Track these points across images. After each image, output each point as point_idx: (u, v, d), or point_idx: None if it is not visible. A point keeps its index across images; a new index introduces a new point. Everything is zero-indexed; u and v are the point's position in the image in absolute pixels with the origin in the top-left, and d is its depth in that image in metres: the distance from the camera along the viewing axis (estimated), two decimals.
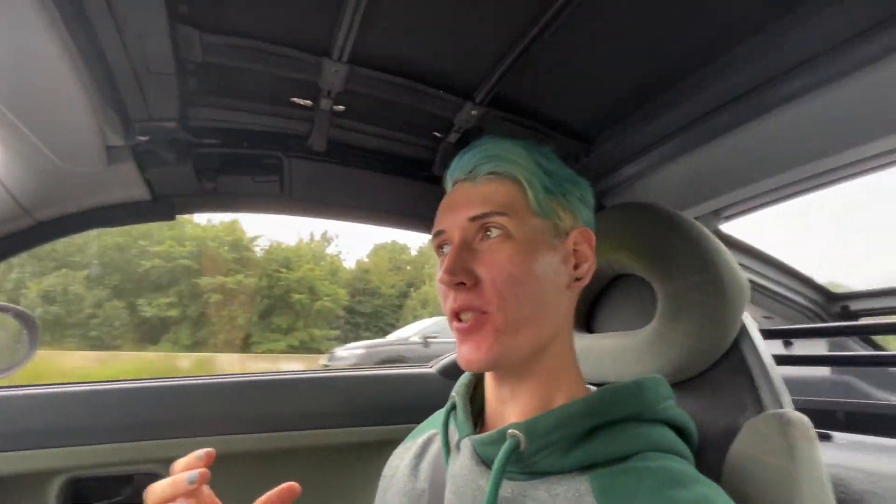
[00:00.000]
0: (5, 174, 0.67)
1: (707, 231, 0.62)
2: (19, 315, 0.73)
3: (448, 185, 0.56)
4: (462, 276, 0.47)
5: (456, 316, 0.49)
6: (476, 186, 0.51)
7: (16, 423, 0.90)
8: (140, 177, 0.75)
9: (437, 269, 0.53)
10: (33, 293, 14.42)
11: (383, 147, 0.86)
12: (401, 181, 0.91)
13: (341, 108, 0.76)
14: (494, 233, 0.49)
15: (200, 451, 0.44)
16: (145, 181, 0.76)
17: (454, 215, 0.51)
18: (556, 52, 0.64)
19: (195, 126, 0.76)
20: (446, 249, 0.52)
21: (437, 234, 0.53)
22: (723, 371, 0.58)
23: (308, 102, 0.74)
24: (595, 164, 0.88)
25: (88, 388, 0.97)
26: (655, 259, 0.62)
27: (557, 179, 0.52)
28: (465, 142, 0.84)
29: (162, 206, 0.82)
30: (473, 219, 0.49)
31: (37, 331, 0.74)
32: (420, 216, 0.97)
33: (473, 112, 0.75)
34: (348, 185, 0.89)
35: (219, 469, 0.99)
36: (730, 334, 0.58)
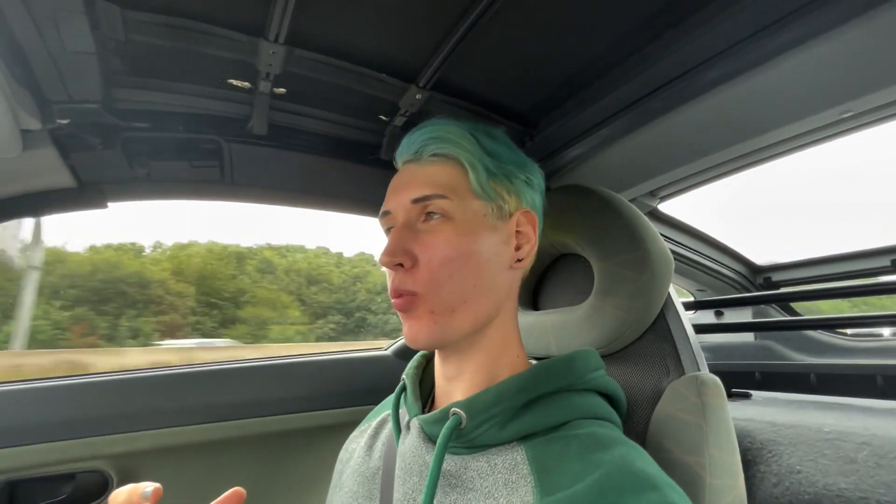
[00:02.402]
0: None
1: (639, 211, 0.66)
2: None
3: (398, 165, 0.57)
4: (401, 257, 0.49)
5: (396, 297, 0.50)
6: (420, 168, 0.53)
7: None
8: (62, 163, 0.70)
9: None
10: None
11: (328, 130, 0.85)
12: (347, 165, 0.90)
13: (282, 90, 0.73)
14: (435, 214, 0.50)
15: (147, 489, 0.43)
16: (69, 167, 0.71)
17: (399, 196, 0.52)
18: (496, 37, 0.65)
19: (123, 108, 0.72)
20: (389, 233, 0.53)
21: (384, 214, 0.54)
22: (650, 340, 0.63)
23: (246, 84, 0.72)
24: (539, 147, 0.90)
25: (28, 385, 0.92)
26: (592, 238, 0.66)
27: (501, 162, 0.53)
28: (412, 125, 0.83)
29: (91, 193, 0.77)
30: (416, 201, 0.50)
31: None
32: (368, 200, 0.97)
33: (418, 96, 0.75)
34: (293, 169, 0.87)
35: (171, 461, 0.98)
36: (656, 306, 0.62)
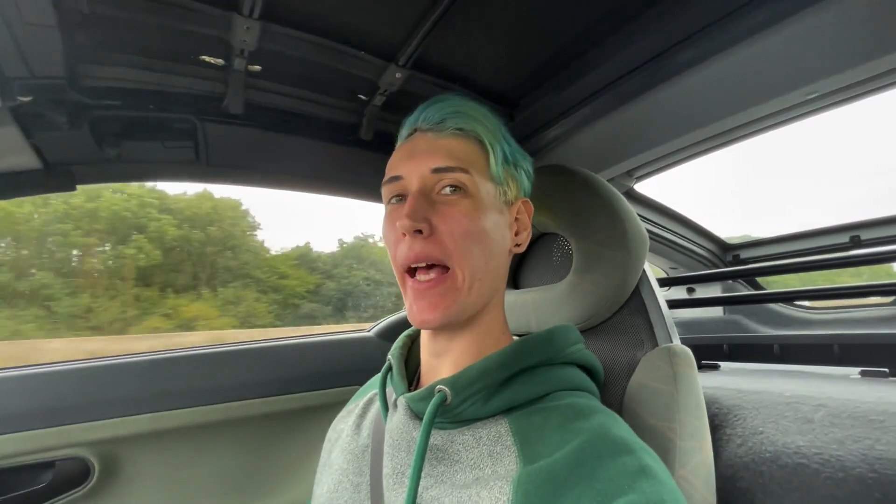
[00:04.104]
0: None
1: (616, 191, 0.68)
2: None
3: (404, 132, 0.55)
4: (420, 223, 0.48)
5: (409, 270, 0.50)
6: (440, 138, 0.52)
7: None
8: (26, 143, 0.67)
9: (385, 218, 0.53)
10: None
11: (306, 110, 0.83)
12: (326, 146, 0.89)
13: (257, 68, 0.71)
14: (454, 188, 0.49)
15: None
16: (33, 147, 0.68)
17: (416, 163, 0.50)
18: (476, 15, 0.64)
19: (90, 86, 0.69)
20: (397, 200, 0.52)
21: (393, 179, 0.52)
22: (626, 314, 0.66)
23: (219, 61, 0.70)
24: (520, 127, 0.91)
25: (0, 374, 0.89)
26: (572, 217, 0.67)
27: (513, 150, 0.55)
28: (391, 105, 0.83)
29: (58, 175, 0.74)
30: (436, 170, 0.50)
31: None
32: (349, 181, 0.96)
33: (398, 75, 0.74)
34: (270, 150, 0.85)
35: (154, 447, 0.97)
36: (632, 282, 0.65)
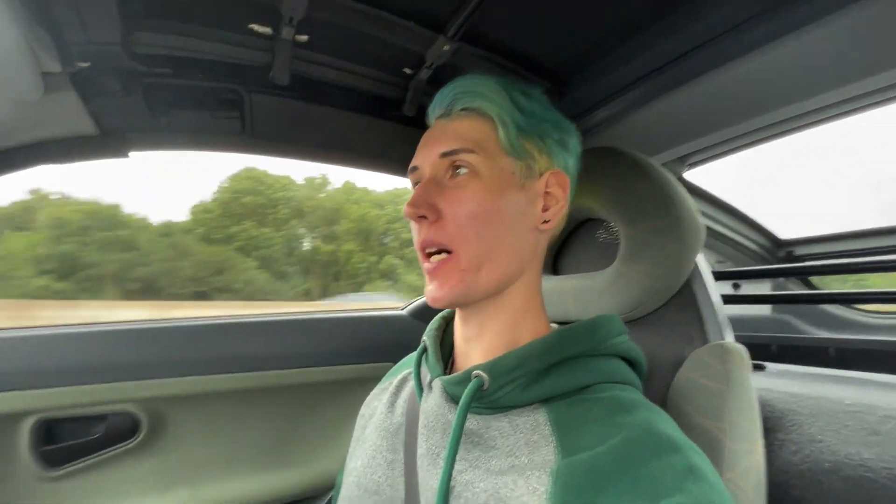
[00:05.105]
0: None
1: (671, 177, 0.64)
2: None
3: (430, 121, 0.56)
4: (424, 210, 0.48)
5: (424, 252, 0.50)
6: (450, 123, 0.52)
7: None
8: (83, 108, 0.69)
9: None
10: None
11: (351, 83, 0.82)
12: (370, 120, 0.88)
13: (304, 38, 0.71)
14: (462, 170, 0.49)
15: None
16: (90, 113, 0.70)
17: (428, 151, 0.52)
18: None
19: (143, 53, 0.70)
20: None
21: (412, 169, 0.54)
22: (675, 308, 0.63)
23: (268, 30, 0.69)
24: (568, 106, 0.87)
25: (62, 330, 0.95)
26: (621, 202, 0.64)
27: (534, 119, 0.51)
28: (437, 79, 0.81)
29: (112, 141, 0.76)
30: (444, 155, 0.50)
31: None
32: (391, 158, 0.95)
33: (446, 47, 0.71)
34: (314, 123, 0.85)
35: (198, 408, 1.02)
36: (683, 275, 0.61)
